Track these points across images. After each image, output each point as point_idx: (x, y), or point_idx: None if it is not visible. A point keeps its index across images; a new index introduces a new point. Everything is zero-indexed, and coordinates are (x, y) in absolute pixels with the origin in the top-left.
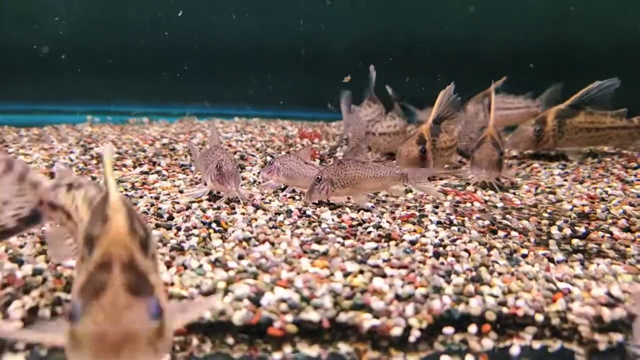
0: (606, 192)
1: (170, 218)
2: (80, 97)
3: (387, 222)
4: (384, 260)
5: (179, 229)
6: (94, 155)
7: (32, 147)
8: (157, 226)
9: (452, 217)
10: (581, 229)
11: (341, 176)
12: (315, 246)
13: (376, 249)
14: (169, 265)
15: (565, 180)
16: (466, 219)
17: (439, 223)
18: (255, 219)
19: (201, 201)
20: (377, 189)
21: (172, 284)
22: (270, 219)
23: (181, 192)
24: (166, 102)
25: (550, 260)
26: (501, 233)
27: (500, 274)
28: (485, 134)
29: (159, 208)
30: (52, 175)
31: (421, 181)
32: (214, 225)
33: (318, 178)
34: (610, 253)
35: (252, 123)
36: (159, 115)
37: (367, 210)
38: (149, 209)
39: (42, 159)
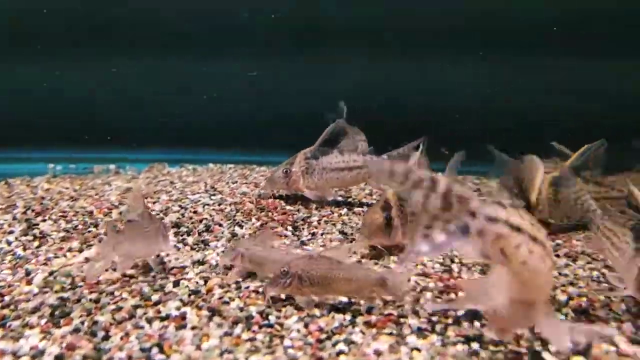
0: (604, 274)
1: (106, 337)
2: (40, 142)
3: (361, 331)
4: None
5: None
6: (36, 235)
7: None
8: (84, 358)
9: (434, 319)
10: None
11: (311, 273)
12: None
13: None
14: None
15: (557, 255)
16: (450, 320)
17: (419, 330)
18: (208, 336)
19: (149, 303)
20: (350, 293)
21: None
22: (225, 334)
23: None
24: (137, 147)
25: None
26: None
27: None
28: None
29: (95, 322)
30: None
31: (402, 286)
32: (154, 352)
33: (284, 271)
34: None
35: (228, 173)
36: (127, 161)
37: (338, 311)
38: (83, 323)
39: None
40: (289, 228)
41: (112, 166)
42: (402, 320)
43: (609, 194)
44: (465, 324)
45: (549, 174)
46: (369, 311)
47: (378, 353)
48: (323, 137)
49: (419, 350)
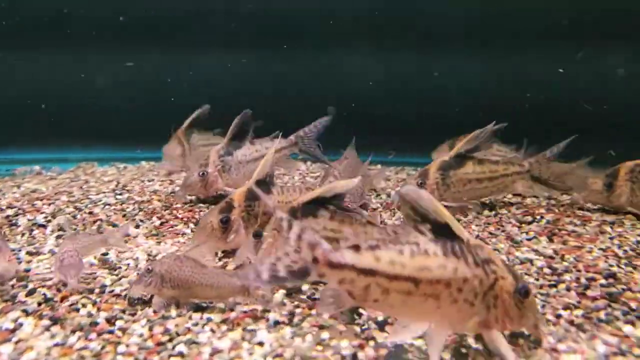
0: None
1: None
2: None
3: (211, 329)
4: None
5: None
6: None
7: None
8: None
9: (297, 311)
10: None
11: (174, 275)
12: None
13: None
14: None
15: None
16: (314, 311)
17: (275, 324)
18: (32, 348)
19: None
20: (211, 298)
21: None
22: (56, 344)
23: None
24: (64, 146)
25: None
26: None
27: None
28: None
29: None
30: None
31: (266, 293)
32: None
33: (148, 269)
34: None
35: (156, 171)
36: (54, 161)
37: (200, 310)
38: None
39: None
40: (191, 226)
41: (36, 167)
42: (263, 315)
43: (508, 171)
44: (325, 315)
45: (438, 159)
46: (233, 308)
47: (215, 352)
48: (231, 131)
49: (261, 344)
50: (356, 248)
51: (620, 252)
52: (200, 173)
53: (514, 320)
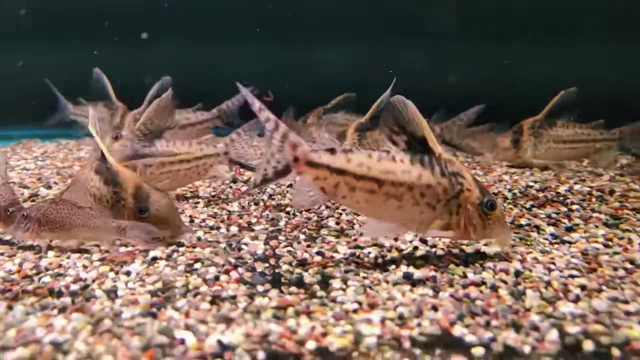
0: None
1: None
2: None
3: (84, 265)
4: None
5: None
6: None
7: None
8: None
9: (181, 249)
10: None
11: (51, 218)
12: None
13: None
14: None
15: None
16: (197, 249)
17: (153, 259)
18: None
19: None
20: (92, 239)
21: None
22: None
23: None
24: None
25: None
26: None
27: None
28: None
29: None
30: None
31: (144, 237)
32: None
33: (24, 215)
34: None
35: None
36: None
37: (82, 251)
38: None
39: None
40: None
41: None
42: (144, 254)
43: None
44: (206, 250)
45: (355, 121)
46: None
47: (77, 280)
48: (149, 97)
49: (128, 274)
50: (332, 151)
51: (509, 195)
52: (114, 135)
53: (479, 230)
